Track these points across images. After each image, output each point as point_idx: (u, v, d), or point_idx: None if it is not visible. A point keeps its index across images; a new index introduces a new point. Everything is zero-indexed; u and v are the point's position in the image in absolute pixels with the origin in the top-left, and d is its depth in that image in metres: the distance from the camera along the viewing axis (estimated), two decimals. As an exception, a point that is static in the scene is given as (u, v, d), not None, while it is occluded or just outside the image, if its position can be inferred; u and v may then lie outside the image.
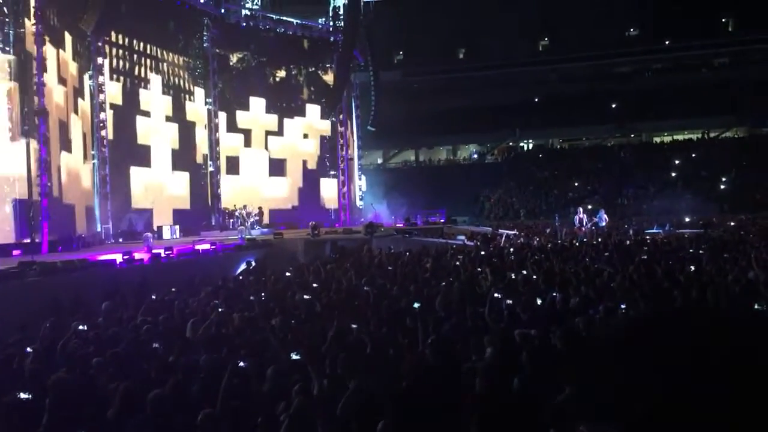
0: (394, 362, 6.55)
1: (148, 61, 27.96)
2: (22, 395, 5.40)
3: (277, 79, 35.45)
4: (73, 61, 22.29)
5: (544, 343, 6.76)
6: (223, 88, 32.48)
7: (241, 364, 6.03)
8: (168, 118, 29.14)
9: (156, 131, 28.46)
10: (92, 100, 24.31)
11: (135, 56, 27.06)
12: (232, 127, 33.15)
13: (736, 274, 10.86)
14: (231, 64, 33.40)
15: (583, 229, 26.35)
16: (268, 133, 34.86)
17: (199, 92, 30.89)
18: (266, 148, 34.79)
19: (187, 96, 30.33)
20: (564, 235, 27.04)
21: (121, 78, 26.54)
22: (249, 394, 5.85)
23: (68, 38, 21.93)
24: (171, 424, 5.30)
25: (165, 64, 28.78)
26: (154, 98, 28.31)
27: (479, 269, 13.29)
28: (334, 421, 4.73)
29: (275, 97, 34.96)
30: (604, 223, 27.05)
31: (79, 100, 23.04)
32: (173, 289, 12.28)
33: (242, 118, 33.72)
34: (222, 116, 32.41)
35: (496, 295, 9.07)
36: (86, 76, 24.10)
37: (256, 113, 34.36)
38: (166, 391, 5.66)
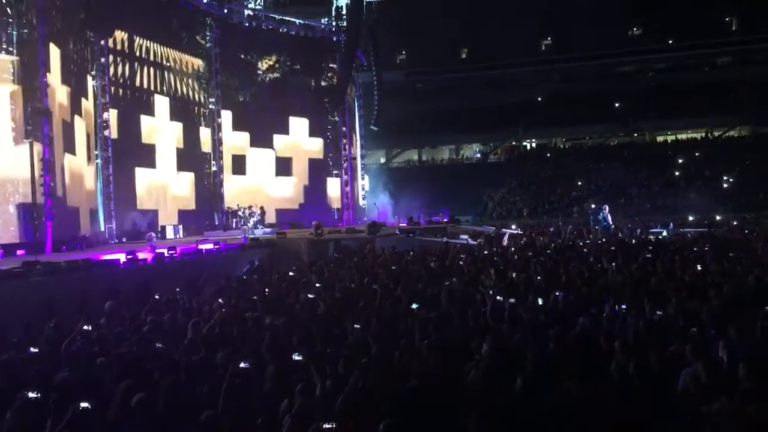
0: (397, 362, 6.55)
1: (152, 72, 27.31)
2: (31, 394, 5.42)
3: (312, 86, 34.67)
4: (63, 84, 21.81)
5: (544, 344, 6.78)
6: (252, 104, 32.18)
7: (243, 364, 6.04)
8: (180, 164, 28.51)
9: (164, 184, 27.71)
10: (95, 100, 24.30)
11: (136, 64, 26.63)
12: (281, 167, 32.73)
13: (741, 273, 10.86)
14: (260, 72, 33.06)
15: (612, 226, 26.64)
16: (314, 163, 34.02)
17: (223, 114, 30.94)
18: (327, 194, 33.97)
19: (197, 110, 30.07)
20: (568, 233, 27.03)
21: (122, 96, 25.85)
22: (250, 394, 5.86)
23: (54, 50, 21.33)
24: (166, 426, 5.31)
25: (171, 74, 28.44)
26: (160, 126, 27.69)
27: (482, 269, 13.29)
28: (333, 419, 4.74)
29: (318, 113, 34.24)
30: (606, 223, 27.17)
31: (83, 100, 23.01)
32: (177, 290, 12.28)
33: (281, 144, 32.94)
34: (269, 155, 32.19)
35: (498, 297, 9.08)
36: (89, 77, 24.08)
37: (298, 136, 33.58)
38: (158, 392, 5.68)
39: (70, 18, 22.11)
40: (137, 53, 26.85)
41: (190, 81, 29.68)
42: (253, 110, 32.44)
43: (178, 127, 28.83)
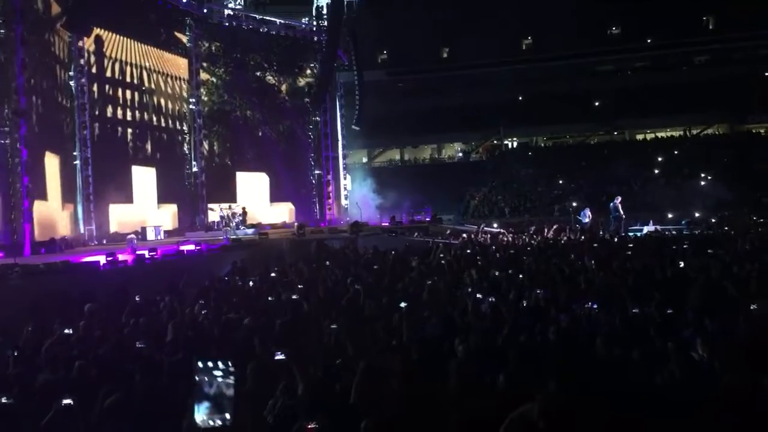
0: (377, 360, 6.54)
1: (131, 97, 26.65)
2: (4, 399, 5.34)
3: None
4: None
5: (527, 340, 6.80)
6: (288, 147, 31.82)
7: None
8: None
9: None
10: (71, 102, 23.99)
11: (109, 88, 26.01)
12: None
13: (721, 270, 10.97)
14: (284, 97, 32.38)
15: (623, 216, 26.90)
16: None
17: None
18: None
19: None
20: (550, 232, 27.13)
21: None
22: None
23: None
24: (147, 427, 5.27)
25: (155, 97, 27.84)
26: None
27: (465, 267, 13.32)
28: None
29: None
30: (587, 220, 27.32)
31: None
32: (158, 291, 12.17)
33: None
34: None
35: (478, 295, 9.11)
36: (66, 77, 23.80)
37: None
38: (138, 393, 5.63)
39: (45, 19, 21.87)
40: (115, 76, 26.24)
41: (177, 104, 29.30)
42: (296, 167, 31.44)
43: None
